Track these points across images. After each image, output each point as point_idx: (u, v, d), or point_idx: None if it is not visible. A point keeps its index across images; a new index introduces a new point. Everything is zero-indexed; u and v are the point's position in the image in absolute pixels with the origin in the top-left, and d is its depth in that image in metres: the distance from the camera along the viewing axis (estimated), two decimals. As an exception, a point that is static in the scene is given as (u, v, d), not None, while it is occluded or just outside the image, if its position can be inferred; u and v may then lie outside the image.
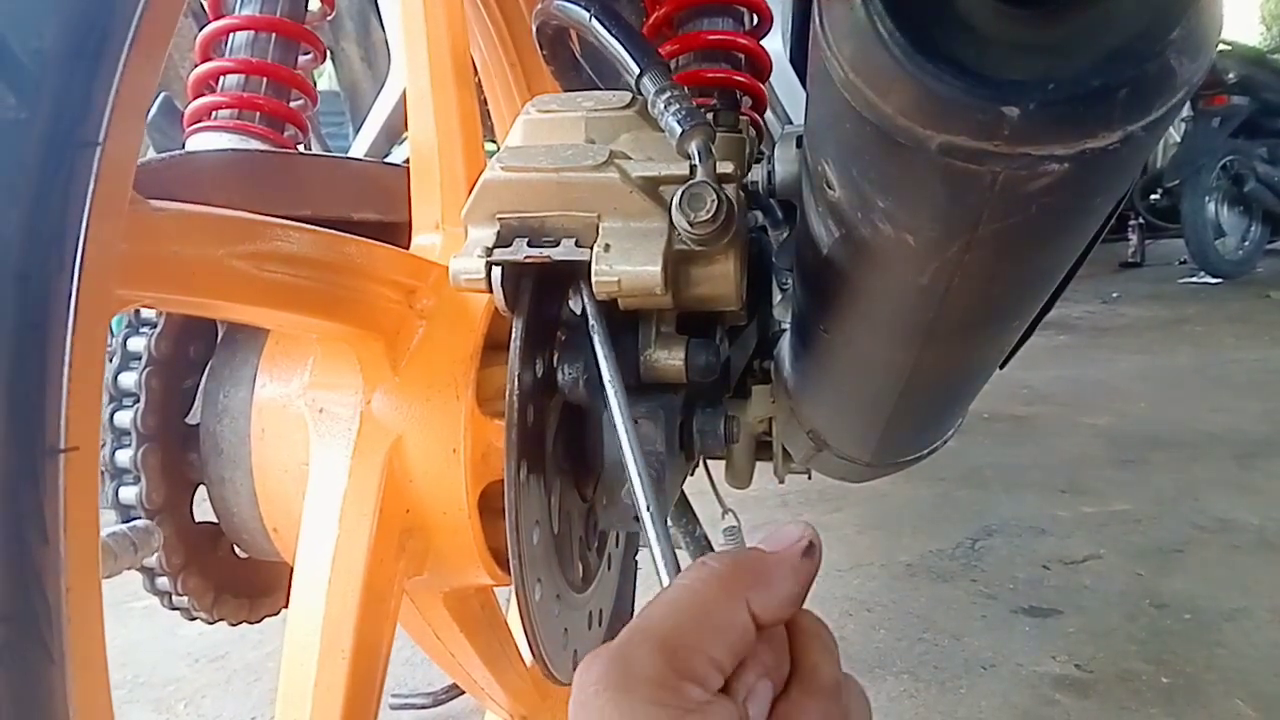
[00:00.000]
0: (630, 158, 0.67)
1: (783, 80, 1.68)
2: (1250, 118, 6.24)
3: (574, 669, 0.82)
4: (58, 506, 0.44)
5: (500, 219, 0.66)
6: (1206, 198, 6.17)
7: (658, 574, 0.54)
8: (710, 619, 0.43)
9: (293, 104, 1.01)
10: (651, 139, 0.70)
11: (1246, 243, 6.45)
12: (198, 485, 0.93)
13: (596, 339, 0.65)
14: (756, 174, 0.76)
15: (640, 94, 0.69)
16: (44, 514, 0.43)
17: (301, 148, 1.04)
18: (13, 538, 0.42)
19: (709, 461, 0.96)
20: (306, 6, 1.03)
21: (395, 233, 0.88)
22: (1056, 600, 2.03)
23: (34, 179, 0.42)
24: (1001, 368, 0.76)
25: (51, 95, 0.43)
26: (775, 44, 1.67)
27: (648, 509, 0.58)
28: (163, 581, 0.91)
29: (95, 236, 0.45)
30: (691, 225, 0.62)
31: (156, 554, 0.88)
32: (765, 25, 0.89)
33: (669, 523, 0.96)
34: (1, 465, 0.42)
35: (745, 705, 0.42)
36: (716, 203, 0.62)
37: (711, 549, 1.08)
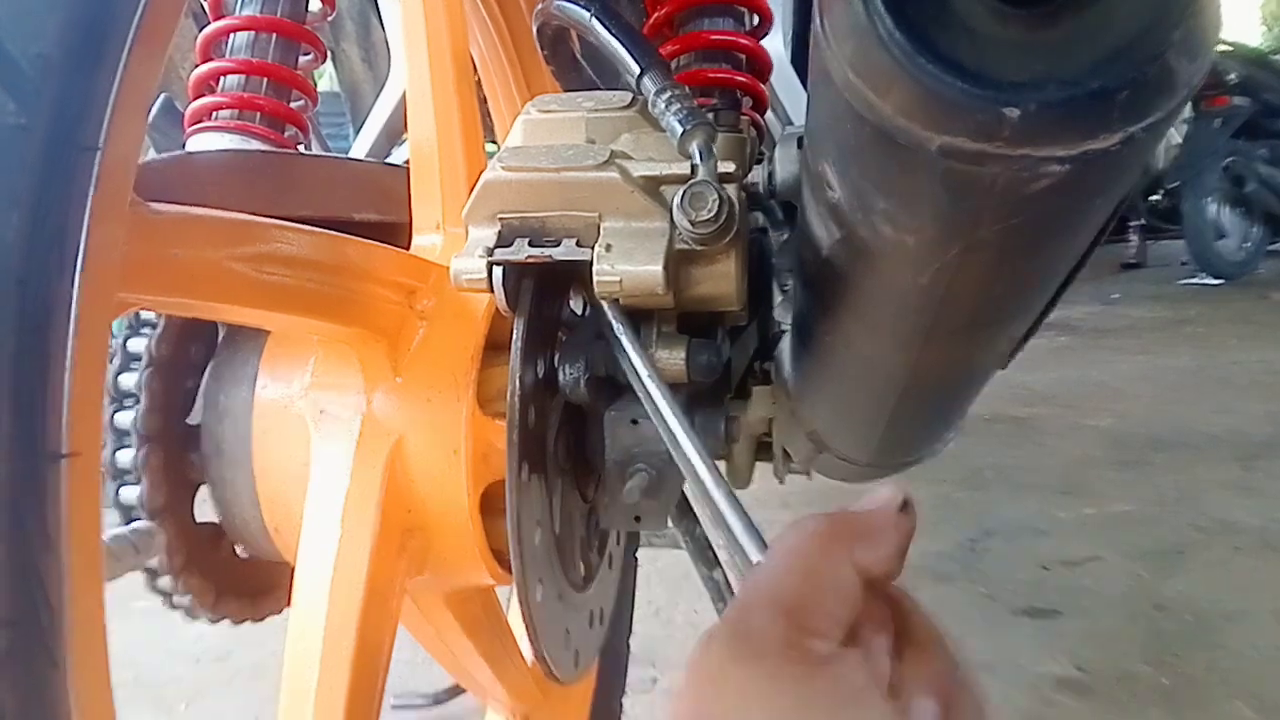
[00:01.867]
0: (631, 157, 0.67)
1: (783, 80, 1.68)
2: (1251, 119, 6.24)
3: (575, 668, 0.82)
4: (60, 511, 0.44)
5: (501, 219, 0.66)
6: (1207, 199, 6.18)
7: (738, 551, 0.53)
8: (820, 576, 0.43)
9: (293, 104, 1.00)
10: (652, 139, 0.70)
11: (1247, 244, 6.45)
12: (199, 486, 0.93)
13: (617, 328, 0.65)
14: (757, 175, 0.76)
15: (641, 94, 0.69)
16: (46, 519, 0.43)
17: (302, 148, 1.04)
18: (15, 543, 0.42)
19: (709, 462, 0.96)
20: (307, 7, 1.03)
21: (396, 233, 0.88)
22: (1057, 601, 2.03)
23: (34, 184, 0.42)
24: (1002, 369, 0.76)
25: (51, 100, 0.43)
26: (776, 44, 1.67)
27: (718, 487, 0.58)
28: (164, 582, 0.91)
29: (95, 240, 0.45)
30: (693, 225, 0.62)
31: (158, 555, 0.88)
32: (766, 25, 0.89)
33: (669, 523, 0.96)
34: (3, 470, 0.42)
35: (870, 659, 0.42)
36: (718, 202, 0.62)
37: (714, 550, 1.08)
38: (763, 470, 0.99)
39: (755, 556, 0.52)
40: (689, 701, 0.41)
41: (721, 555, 1.07)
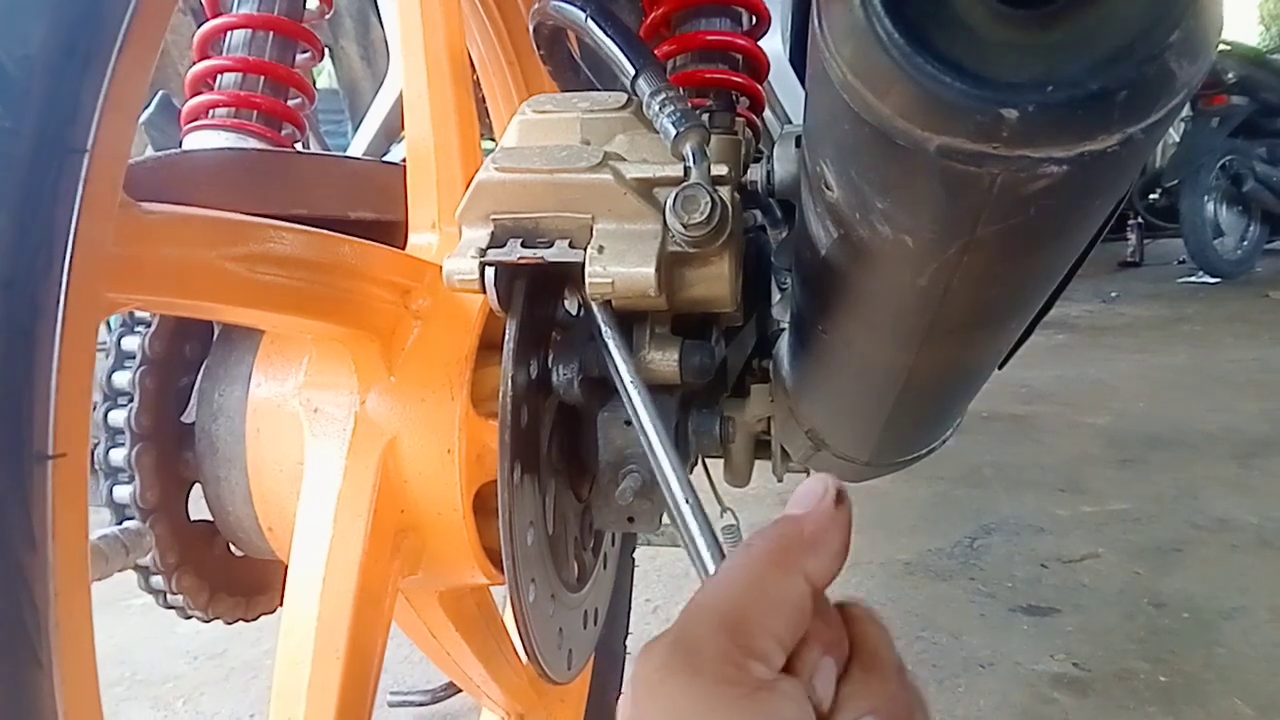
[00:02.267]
0: (625, 159, 0.67)
1: (782, 80, 1.67)
2: (1249, 118, 6.24)
3: (569, 668, 0.82)
4: (45, 513, 0.43)
5: (494, 219, 0.65)
6: (1205, 197, 6.18)
7: (699, 564, 0.54)
8: (767, 594, 0.43)
9: (291, 102, 1.00)
10: (647, 140, 0.69)
11: (1245, 242, 6.46)
12: (193, 484, 0.92)
13: (606, 332, 0.65)
14: (755, 174, 0.76)
15: (635, 95, 0.69)
16: (31, 521, 0.42)
17: (300, 146, 1.04)
18: (0, 545, 0.42)
19: (708, 460, 0.96)
20: (305, 4, 1.03)
21: (392, 232, 0.88)
22: (1055, 599, 2.03)
23: (21, 186, 0.42)
24: (1000, 367, 0.76)
25: (39, 103, 0.43)
26: (775, 44, 1.66)
27: (686, 501, 0.57)
28: (157, 580, 0.91)
29: (84, 241, 0.44)
30: (685, 227, 0.62)
31: (150, 554, 0.87)
32: (763, 26, 0.89)
33: (663, 519, 0.96)
34: (-10, 470, 0.41)
35: (811, 683, 0.42)
36: (710, 205, 0.61)
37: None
38: (761, 468, 0.99)
39: (711, 569, 0.52)
40: (627, 709, 0.41)
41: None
